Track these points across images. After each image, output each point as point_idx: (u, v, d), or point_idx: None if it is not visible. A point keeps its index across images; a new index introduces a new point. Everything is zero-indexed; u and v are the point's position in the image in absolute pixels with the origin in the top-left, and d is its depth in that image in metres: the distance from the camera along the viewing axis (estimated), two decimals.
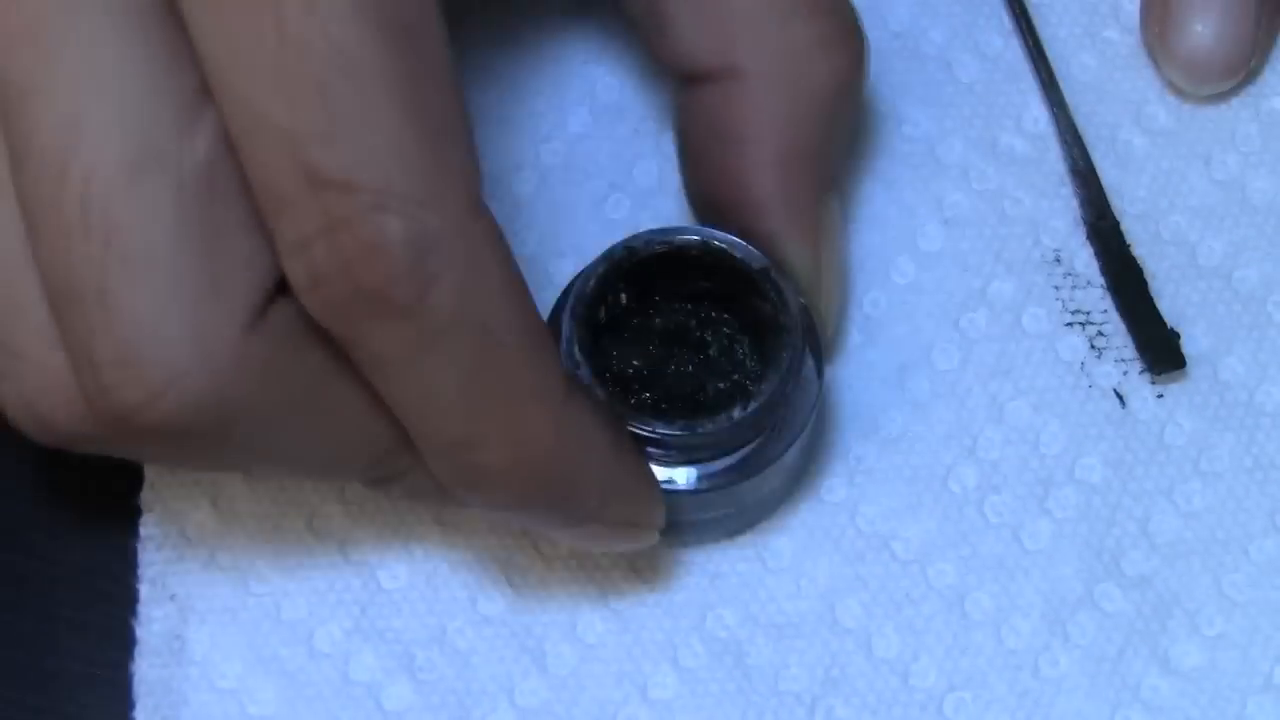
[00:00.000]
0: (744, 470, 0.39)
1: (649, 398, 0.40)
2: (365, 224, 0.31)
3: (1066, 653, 0.42)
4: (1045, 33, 0.46)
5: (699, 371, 0.40)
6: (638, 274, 0.39)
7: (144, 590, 0.43)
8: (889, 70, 0.46)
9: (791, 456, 0.40)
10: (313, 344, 0.34)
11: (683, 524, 0.41)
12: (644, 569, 0.43)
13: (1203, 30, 0.44)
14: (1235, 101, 0.46)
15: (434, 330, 0.32)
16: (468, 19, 0.46)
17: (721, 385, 0.40)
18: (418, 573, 0.43)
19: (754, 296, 0.39)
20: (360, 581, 0.43)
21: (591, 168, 0.46)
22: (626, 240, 0.39)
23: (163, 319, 0.32)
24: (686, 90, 0.41)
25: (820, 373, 0.40)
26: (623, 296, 0.39)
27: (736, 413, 0.38)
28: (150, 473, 0.44)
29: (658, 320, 0.41)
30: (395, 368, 0.33)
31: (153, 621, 0.43)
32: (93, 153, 0.32)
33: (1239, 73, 0.45)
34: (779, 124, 0.40)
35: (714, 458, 0.39)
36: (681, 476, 0.39)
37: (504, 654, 0.43)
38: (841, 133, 0.42)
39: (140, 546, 0.43)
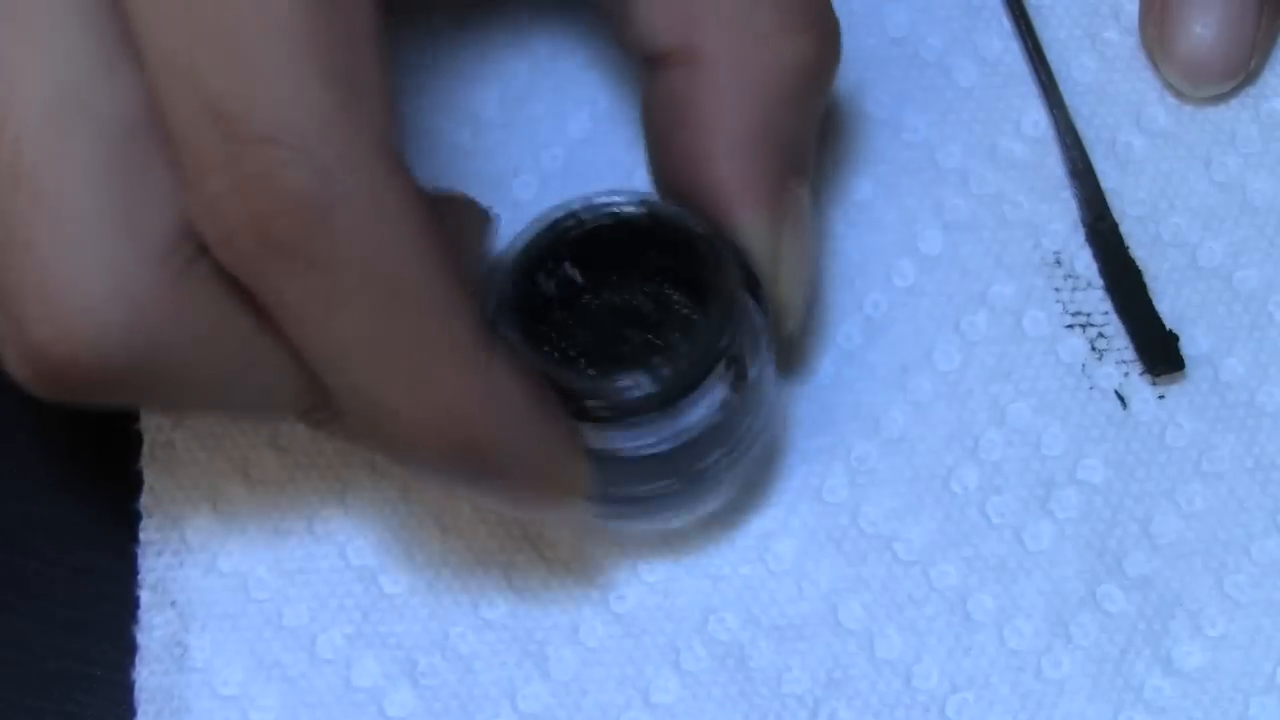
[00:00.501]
0: (680, 436, 0.38)
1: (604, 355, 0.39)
2: (271, 173, 0.31)
3: (1069, 654, 0.42)
4: (1045, 35, 0.46)
5: (647, 348, 0.39)
6: (583, 247, 0.38)
7: (145, 596, 0.43)
8: (888, 76, 0.46)
9: (734, 426, 0.39)
10: (231, 289, 0.34)
11: (625, 497, 0.40)
12: (645, 572, 0.43)
13: (1202, 31, 0.44)
14: (1235, 103, 0.46)
15: (340, 283, 0.33)
16: (469, 22, 0.46)
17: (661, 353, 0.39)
18: (419, 578, 0.43)
19: (701, 266, 0.38)
20: (362, 587, 0.43)
21: (591, 173, 0.46)
22: (570, 208, 0.38)
23: (81, 264, 0.33)
24: (650, 73, 0.40)
25: (770, 349, 0.39)
26: (571, 273, 0.39)
27: (656, 360, 0.37)
28: (150, 476, 0.44)
29: (606, 298, 0.40)
30: (304, 321, 0.33)
31: (154, 628, 0.43)
32: (18, 103, 0.32)
33: (1239, 74, 0.45)
34: (739, 107, 0.39)
35: (650, 418, 0.38)
36: (619, 442, 0.38)
37: (506, 659, 0.43)
38: (810, 120, 0.41)
39: (140, 552, 0.43)
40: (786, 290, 0.40)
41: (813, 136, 0.41)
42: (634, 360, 0.38)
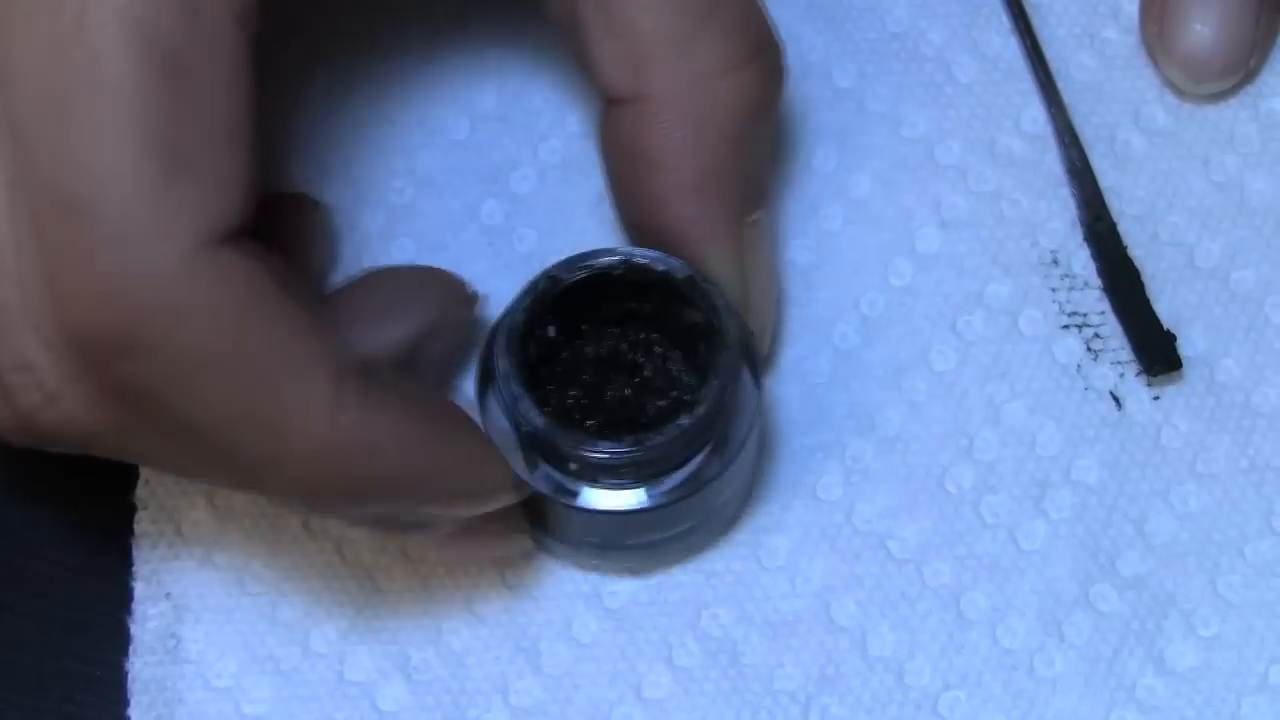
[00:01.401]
0: (695, 483, 0.39)
1: (591, 425, 0.40)
2: (99, 255, 0.32)
3: (1061, 653, 0.42)
4: (1044, 33, 0.46)
5: (637, 393, 0.40)
6: (565, 302, 0.39)
7: (139, 588, 0.43)
8: (887, 71, 0.46)
9: (741, 467, 0.40)
10: None
11: (640, 545, 0.41)
12: (638, 568, 0.43)
13: (1202, 29, 0.44)
14: (1234, 102, 0.46)
15: (167, 365, 0.33)
16: (469, 15, 0.46)
17: (661, 403, 0.40)
18: (413, 573, 0.43)
19: (684, 308, 0.39)
20: (356, 582, 0.43)
21: (589, 166, 0.46)
22: (548, 270, 0.39)
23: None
24: (607, 111, 0.40)
25: (759, 381, 0.40)
26: (550, 329, 0.40)
27: (683, 421, 0.38)
28: (145, 469, 0.44)
29: (589, 348, 0.41)
30: (165, 395, 0.34)
31: (148, 620, 0.43)
32: None
33: (1238, 72, 0.45)
34: (690, 149, 0.39)
35: (664, 474, 0.39)
36: (634, 498, 0.39)
37: (499, 654, 0.43)
38: (760, 149, 0.41)
39: (135, 544, 0.43)
40: (757, 315, 0.41)
41: (766, 162, 0.41)
42: (629, 422, 0.40)
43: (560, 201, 0.46)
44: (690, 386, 0.40)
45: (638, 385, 0.40)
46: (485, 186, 0.46)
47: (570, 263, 0.39)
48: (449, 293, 0.42)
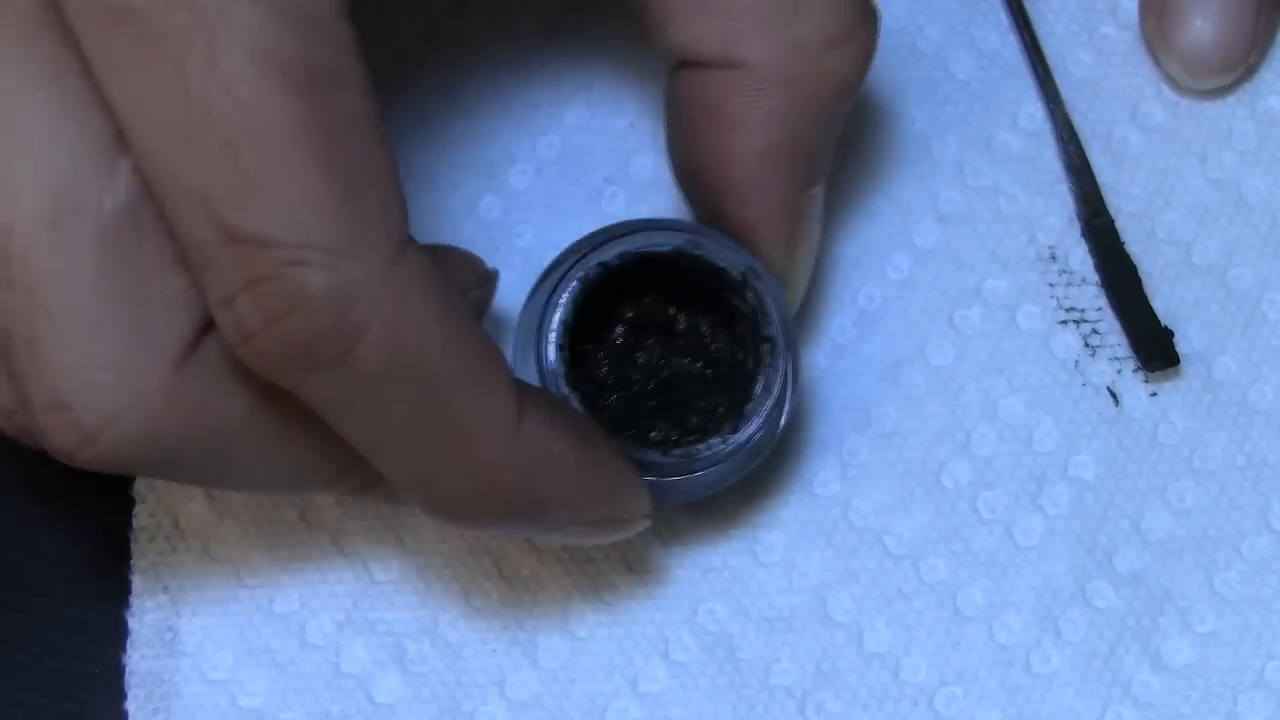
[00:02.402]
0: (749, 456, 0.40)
1: (633, 433, 0.40)
2: (284, 280, 0.31)
3: (1058, 649, 0.42)
4: (1042, 29, 0.46)
5: (682, 387, 0.41)
6: (612, 281, 0.39)
7: (136, 581, 0.43)
8: (885, 66, 0.46)
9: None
10: (247, 374, 0.34)
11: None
12: (635, 563, 0.43)
13: (1202, 25, 0.44)
14: (1232, 99, 0.46)
15: (367, 378, 0.33)
16: (465, 10, 0.46)
17: (706, 371, 0.40)
18: (410, 565, 0.43)
19: (732, 295, 0.39)
20: (353, 574, 0.43)
21: (588, 161, 0.46)
22: (598, 254, 0.39)
23: (89, 366, 0.33)
24: (685, 68, 0.39)
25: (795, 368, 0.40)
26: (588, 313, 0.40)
27: (728, 436, 0.38)
28: None
29: (637, 319, 0.41)
30: (337, 413, 0.33)
31: (145, 613, 0.43)
32: (10, 207, 0.32)
33: (1238, 67, 0.45)
34: (774, 118, 0.38)
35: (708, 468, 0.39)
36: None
37: (495, 646, 0.43)
38: (839, 123, 0.40)
39: (133, 537, 0.43)
40: (795, 283, 0.41)
41: (838, 136, 0.41)
42: (675, 401, 0.40)
43: (558, 197, 0.46)
44: (737, 372, 0.40)
45: (680, 356, 0.41)
46: (483, 181, 0.46)
47: (621, 246, 0.39)
48: (469, 272, 0.42)
